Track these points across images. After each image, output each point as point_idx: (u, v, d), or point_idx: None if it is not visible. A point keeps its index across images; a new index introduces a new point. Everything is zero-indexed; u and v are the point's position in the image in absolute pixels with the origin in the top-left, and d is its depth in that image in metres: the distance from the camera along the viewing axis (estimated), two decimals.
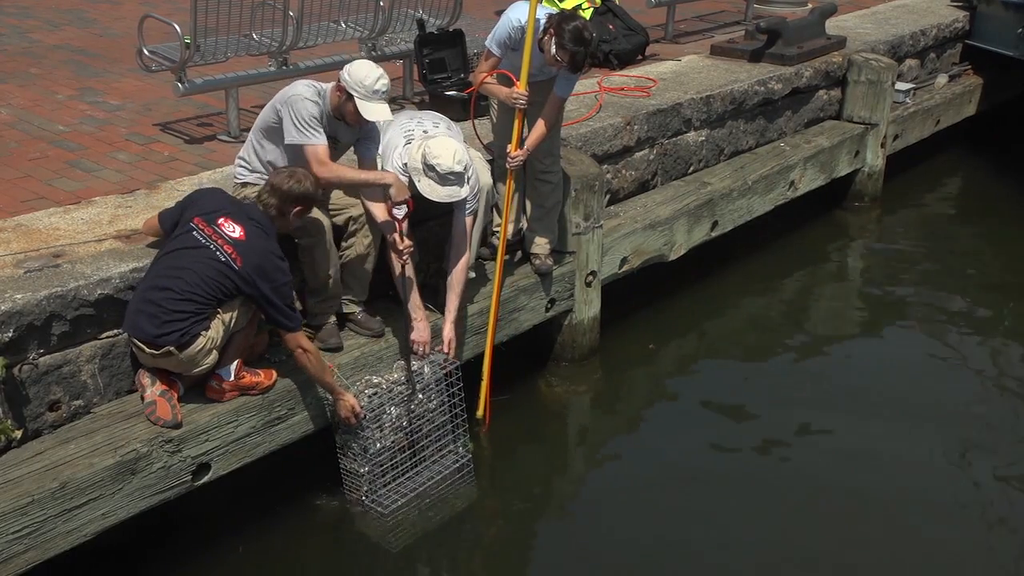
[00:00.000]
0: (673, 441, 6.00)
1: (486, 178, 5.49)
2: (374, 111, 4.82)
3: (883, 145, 9.23)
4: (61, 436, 4.35)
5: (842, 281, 8.41)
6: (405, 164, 5.07)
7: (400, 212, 4.93)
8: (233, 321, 4.56)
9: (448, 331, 5.27)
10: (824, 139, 8.72)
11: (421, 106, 7.00)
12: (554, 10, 5.60)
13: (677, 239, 7.12)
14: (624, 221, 6.81)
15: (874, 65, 9.00)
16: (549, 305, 6.21)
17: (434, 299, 5.43)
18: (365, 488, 5.08)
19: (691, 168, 7.81)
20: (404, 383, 5.16)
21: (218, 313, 4.50)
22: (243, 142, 5.33)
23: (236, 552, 4.89)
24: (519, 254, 6.16)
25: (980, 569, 5.05)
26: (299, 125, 4.77)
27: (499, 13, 5.68)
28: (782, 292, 7.92)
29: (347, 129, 5.01)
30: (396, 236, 4.97)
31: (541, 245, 6.07)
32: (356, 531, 5.08)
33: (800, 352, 7.03)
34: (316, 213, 4.88)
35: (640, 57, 8.62)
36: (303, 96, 4.79)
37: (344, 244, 5.13)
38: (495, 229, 5.93)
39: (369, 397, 5.01)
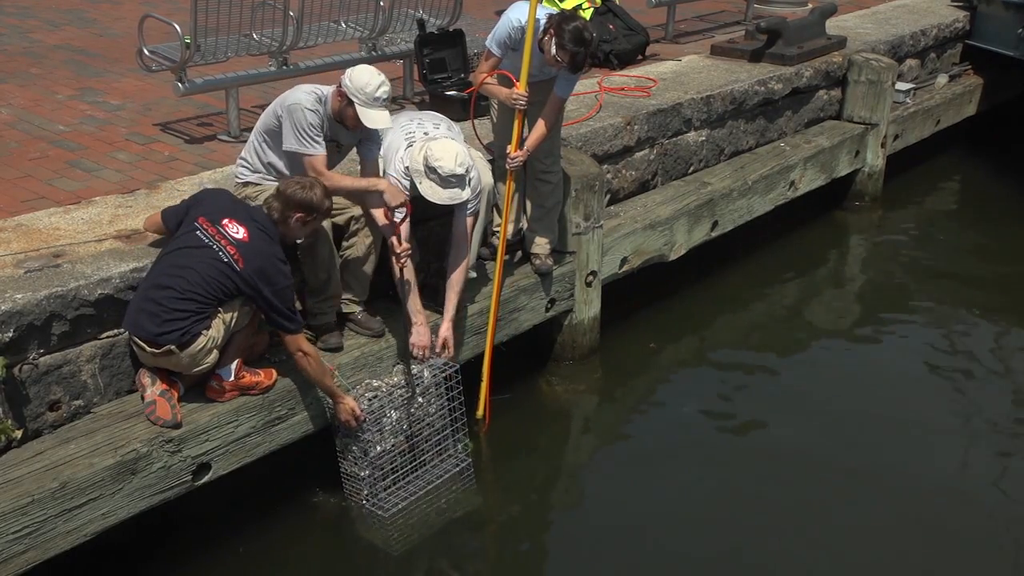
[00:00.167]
0: (673, 441, 6.00)
1: (488, 178, 5.49)
2: (374, 118, 4.83)
3: (883, 145, 9.24)
4: (61, 436, 4.35)
5: (842, 281, 8.41)
6: (407, 167, 5.07)
7: (398, 216, 4.93)
8: (234, 321, 4.56)
9: (445, 331, 5.27)
10: (824, 139, 8.72)
11: (421, 106, 7.00)
12: (554, 10, 5.60)
13: (677, 239, 7.12)
14: (624, 221, 6.81)
15: (874, 65, 9.00)
16: (549, 305, 6.21)
17: (434, 299, 5.43)
18: (366, 492, 5.08)
19: (691, 168, 7.81)
20: (404, 386, 5.16)
21: (219, 312, 4.51)
22: (243, 142, 5.34)
23: (236, 552, 4.89)
24: (519, 254, 6.15)
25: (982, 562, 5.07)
26: (298, 134, 4.79)
27: (499, 13, 5.68)
28: (782, 292, 7.92)
29: (348, 132, 5.01)
30: (394, 240, 4.98)
31: (541, 245, 6.07)
32: (356, 531, 5.09)
33: (800, 352, 7.03)
34: None
35: (640, 57, 8.63)
36: (303, 105, 4.80)
37: (345, 244, 5.14)
38: (495, 229, 5.93)
39: (369, 400, 5.02)
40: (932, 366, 6.89)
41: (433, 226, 5.68)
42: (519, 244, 6.15)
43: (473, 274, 5.60)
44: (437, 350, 5.24)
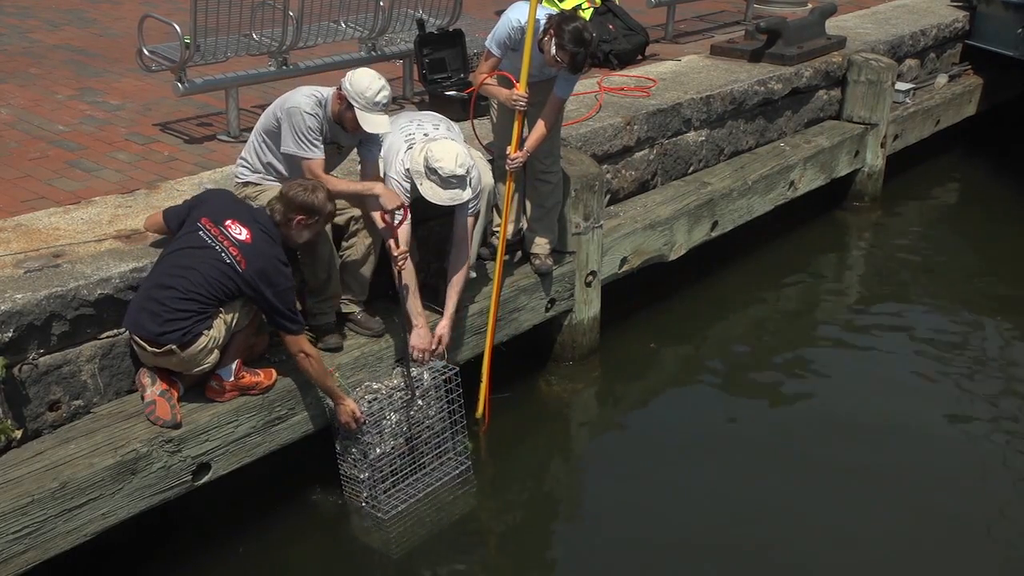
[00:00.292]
0: (673, 440, 6.00)
1: (488, 178, 5.49)
2: (373, 123, 4.83)
3: (883, 145, 9.24)
4: (61, 436, 4.35)
5: (841, 281, 8.41)
6: (408, 169, 5.07)
7: (396, 219, 4.93)
8: (235, 321, 4.56)
9: (442, 328, 5.27)
10: (824, 139, 8.72)
11: (421, 106, 7.00)
12: (554, 10, 5.60)
13: (677, 239, 7.12)
14: (624, 221, 6.81)
15: (874, 65, 9.00)
16: (549, 305, 6.21)
17: (434, 299, 5.43)
18: (365, 494, 5.08)
19: (691, 168, 7.81)
20: (404, 389, 5.17)
21: (220, 313, 4.51)
22: (243, 142, 5.34)
23: (236, 552, 4.89)
24: (519, 254, 6.15)
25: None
26: (297, 137, 4.80)
27: (499, 13, 5.68)
28: (782, 292, 7.92)
29: (348, 134, 5.01)
30: (392, 242, 4.98)
31: (541, 245, 6.07)
32: (356, 531, 5.09)
33: (800, 352, 7.03)
34: None
35: (640, 57, 8.62)
36: (302, 109, 4.80)
37: (344, 244, 5.14)
38: (495, 229, 5.93)
39: (369, 403, 5.01)
40: (932, 365, 6.88)
41: (433, 226, 5.68)
42: (519, 244, 6.15)
43: (473, 274, 5.60)
44: (433, 346, 5.23)
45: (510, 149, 5.51)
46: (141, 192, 5.49)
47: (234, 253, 4.48)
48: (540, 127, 5.53)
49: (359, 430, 4.95)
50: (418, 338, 5.16)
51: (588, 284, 6.40)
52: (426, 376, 5.24)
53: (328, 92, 4.92)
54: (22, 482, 4.04)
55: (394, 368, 5.26)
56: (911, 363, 6.91)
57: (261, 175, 5.04)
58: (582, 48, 5.15)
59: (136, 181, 5.68)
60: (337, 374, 4.94)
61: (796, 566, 5.01)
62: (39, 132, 6.41)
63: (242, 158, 5.13)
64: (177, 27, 6.05)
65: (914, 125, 9.90)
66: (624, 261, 6.73)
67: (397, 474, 5.17)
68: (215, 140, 6.43)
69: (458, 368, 5.36)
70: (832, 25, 9.67)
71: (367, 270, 5.20)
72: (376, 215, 4.97)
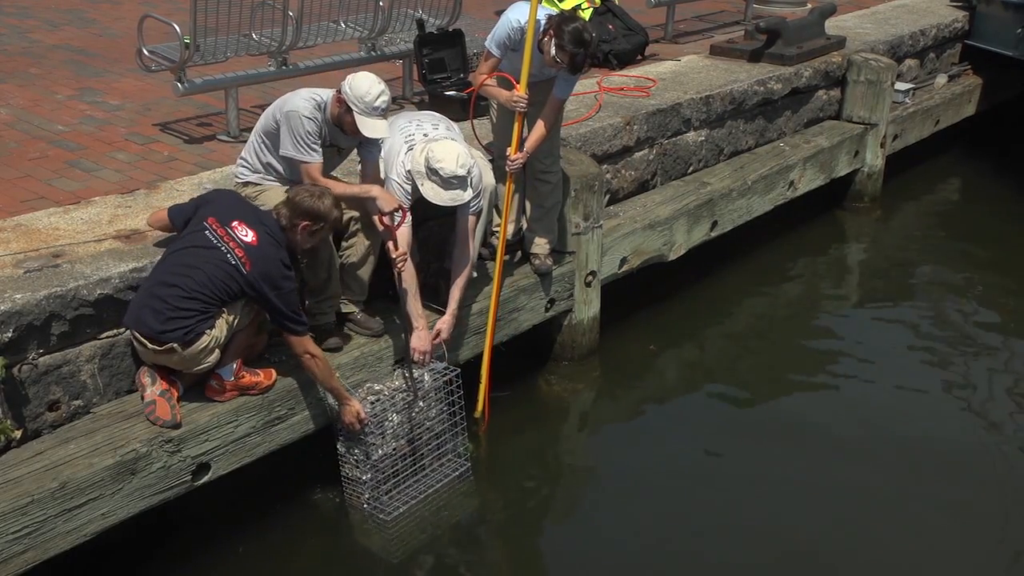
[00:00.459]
0: (673, 441, 6.01)
1: (489, 177, 5.49)
2: (373, 127, 4.82)
3: (883, 145, 9.24)
4: (61, 436, 4.35)
5: (841, 281, 8.41)
6: (409, 170, 5.07)
7: (394, 221, 4.93)
8: (236, 321, 4.56)
9: (441, 323, 5.26)
10: (824, 139, 8.72)
11: (421, 106, 7.00)
12: (554, 11, 5.60)
13: (677, 239, 7.12)
14: (624, 221, 6.81)
15: (874, 65, 9.00)
16: (549, 305, 6.21)
17: (434, 299, 5.43)
18: (367, 495, 5.08)
19: (691, 168, 7.81)
20: (405, 390, 5.16)
21: (223, 313, 4.51)
22: (243, 142, 5.33)
23: (236, 552, 4.89)
24: (519, 254, 6.16)
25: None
26: (295, 141, 4.80)
27: (499, 13, 5.68)
28: (782, 292, 7.92)
29: (347, 136, 5.00)
30: (390, 245, 4.98)
31: (541, 245, 6.07)
32: (356, 531, 5.09)
33: (799, 352, 7.03)
34: None
35: (640, 57, 8.63)
36: (300, 113, 4.79)
37: (344, 244, 5.13)
38: (495, 229, 5.93)
39: (371, 404, 5.02)
40: (932, 365, 6.88)
41: (433, 226, 5.68)
42: (519, 244, 6.15)
43: (474, 274, 5.60)
44: (432, 340, 5.23)
45: (510, 150, 5.51)
46: (141, 192, 5.49)
47: (239, 255, 4.48)
48: (540, 127, 5.53)
49: (362, 431, 4.95)
50: (418, 340, 5.15)
51: (588, 284, 6.40)
52: (427, 378, 5.24)
53: (327, 95, 4.91)
54: (22, 482, 4.04)
55: (394, 369, 5.26)
56: (911, 362, 6.91)
57: (261, 175, 5.04)
58: (582, 49, 5.15)
59: (136, 181, 5.68)
60: (336, 375, 4.93)
61: (796, 565, 5.01)
62: (39, 132, 6.41)
63: (242, 158, 5.13)
64: (177, 27, 6.05)
65: (914, 125, 9.90)
66: (624, 261, 6.73)
67: (398, 475, 5.17)
68: (215, 140, 6.43)
69: (459, 370, 5.36)
70: (832, 25, 9.67)
71: (366, 271, 5.20)
72: (375, 218, 4.97)
